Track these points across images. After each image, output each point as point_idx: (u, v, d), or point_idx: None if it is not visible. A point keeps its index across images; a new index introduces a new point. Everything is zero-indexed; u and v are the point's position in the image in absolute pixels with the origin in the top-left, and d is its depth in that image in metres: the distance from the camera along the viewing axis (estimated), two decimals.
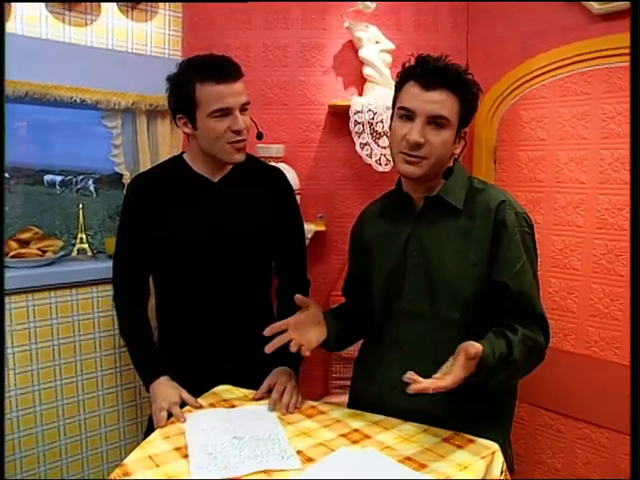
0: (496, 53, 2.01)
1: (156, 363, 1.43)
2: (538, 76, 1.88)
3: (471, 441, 1.14)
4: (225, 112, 1.32)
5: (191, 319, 1.47)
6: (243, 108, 1.36)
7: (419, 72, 1.15)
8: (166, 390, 1.34)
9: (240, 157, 1.39)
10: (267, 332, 1.21)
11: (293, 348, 1.20)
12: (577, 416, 1.84)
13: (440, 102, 1.14)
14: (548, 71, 1.85)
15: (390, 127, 1.24)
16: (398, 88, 1.21)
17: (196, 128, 1.36)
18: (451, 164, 1.24)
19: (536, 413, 1.95)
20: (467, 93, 1.17)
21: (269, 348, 1.20)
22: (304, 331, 1.25)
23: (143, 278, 1.52)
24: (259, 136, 1.48)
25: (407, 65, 1.19)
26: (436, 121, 1.15)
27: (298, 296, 1.25)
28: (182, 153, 1.51)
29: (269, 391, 1.35)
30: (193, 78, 1.31)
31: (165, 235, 1.42)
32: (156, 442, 1.14)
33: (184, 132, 1.41)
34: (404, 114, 1.17)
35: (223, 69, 1.31)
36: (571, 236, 1.84)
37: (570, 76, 1.81)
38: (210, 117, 1.32)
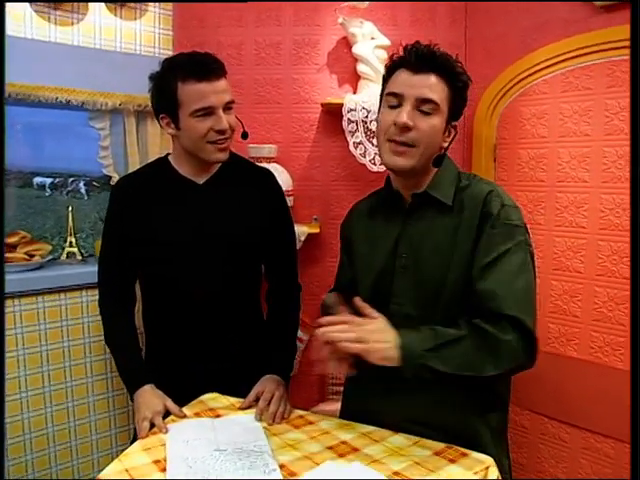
0: (495, 48, 1.95)
1: (141, 371, 1.40)
2: (538, 71, 1.81)
3: (464, 455, 1.09)
4: (208, 111, 1.29)
5: (178, 320, 1.45)
6: (227, 107, 1.32)
7: (408, 58, 1.13)
8: (150, 399, 1.31)
9: (222, 156, 1.36)
10: (324, 322, 1.07)
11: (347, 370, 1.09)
12: (581, 424, 1.77)
13: (429, 86, 1.11)
14: (548, 66, 1.78)
15: (377, 120, 1.20)
16: (386, 78, 1.18)
17: (179, 128, 1.33)
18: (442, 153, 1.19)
19: (538, 421, 1.88)
20: (457, 80, 1.14)
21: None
22: None
23: (129, 281, 1.49)
24: (244, 136, 1.44)
25: (396, 56, 1.17)
26: (425, 107, 1.11)
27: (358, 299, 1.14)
28: (167, 155, 1.48)
29: (256, 400, 1.32)
30: (175, 77, 1.28)
31: (151, 236, 1.39)
32: (135, 454, 1.11)
33: (168, 133, 1.38)
34: (392, 100, 1.14)
35: (205, 67, 1.28)
36: (574, 237, 1.77)
37: (572, 70, 1.74)
38: (192, 116, 1.29)
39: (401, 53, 1.15)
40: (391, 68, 1.17)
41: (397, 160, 1.14)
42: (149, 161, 1.79)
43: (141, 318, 1.55)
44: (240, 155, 1.53)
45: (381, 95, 1.21)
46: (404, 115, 1.10)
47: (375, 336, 1.04)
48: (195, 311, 1.43)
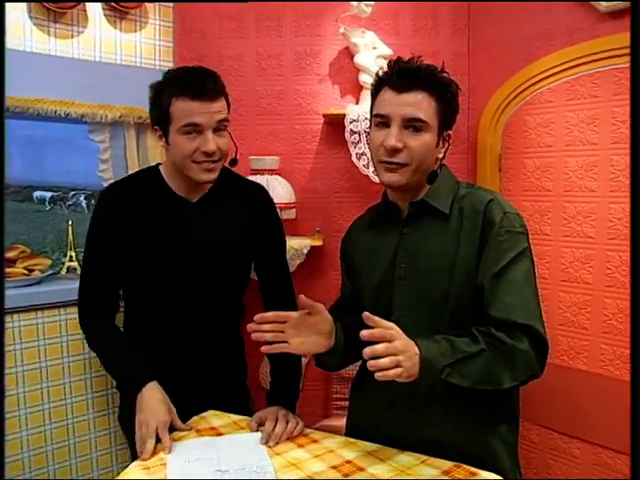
0: (499, 56, 1.93)
1: (144, 368, 1.33)
2: (543, 79, 1.79)
3: (473, 474, 1.06)
4: (195, 129, 1.26)
5: (161, 334, 1.42)
6: (218, 128, 1.29)
7: (391, 76, 1.12)
8: (155, 403, 1.25)
9: (208, 177, 1.32)
10: (258, 318, 1.10)
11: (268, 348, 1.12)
12: (592, 440, 1.72)
13: (415, 104, 1.10)
14: (554, 74, 1.76)
15: (369, 139, 1.21)
16: (374, 96, 1.17)
17: (168, 143, 1.31)
18: (436, 168, 1.19)
19: (548, 436, 1.83)
20: (445, 92, 1.12)
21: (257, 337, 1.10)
22: (304, 335, 1.13)
23: (114, 293, 1.44)
24: (232, 162, 1.42)
25: (381, 71, 1.16)
26: (413, 125, 1.10)
27: (302, 297, 1.13)
28: (158, 164, 1.44)
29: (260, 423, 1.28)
30: (171, 91, 1.27)
31: (140, 257, 1.36)
32: (134, 475, 1.08)
33: (160, 145, 1.36)
34: (380, 121, 1.13)
35: (201, 86, 1.25)
36: (582, 248, 1.74)
37: (577, 78, 1.72)
38: (179, 133, 1.26)
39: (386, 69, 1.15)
40: (376, 86, 1.16)
41: (391, 176, 1.13)
42: None
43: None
44: (232, 170, 1.48)
45: (370, 113, 1.20)
46: (392, 138, 1.10)
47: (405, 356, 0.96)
48: (181, 325, 1.41)
